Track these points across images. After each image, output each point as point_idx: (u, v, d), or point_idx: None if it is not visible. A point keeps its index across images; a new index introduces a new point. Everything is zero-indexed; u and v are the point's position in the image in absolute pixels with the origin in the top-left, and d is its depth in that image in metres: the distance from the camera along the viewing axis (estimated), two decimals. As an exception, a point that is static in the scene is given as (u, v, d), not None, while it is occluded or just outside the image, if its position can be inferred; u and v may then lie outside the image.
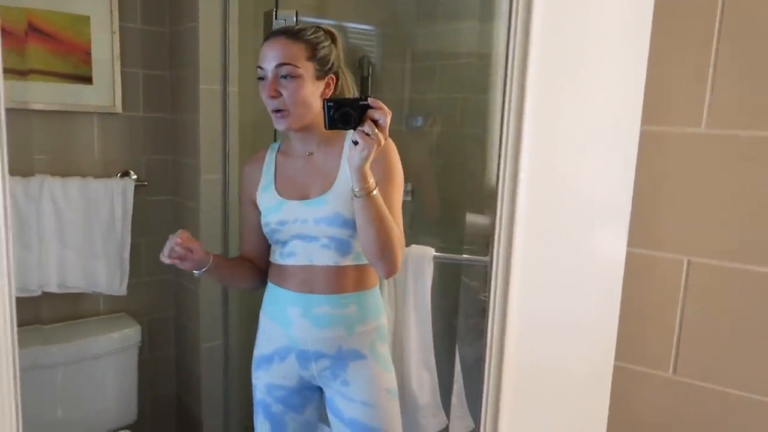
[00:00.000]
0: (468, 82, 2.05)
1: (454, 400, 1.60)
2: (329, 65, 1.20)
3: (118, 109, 1.88)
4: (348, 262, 1.20)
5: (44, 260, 1.74)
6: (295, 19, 1.68)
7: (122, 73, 1.87)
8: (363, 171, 1.04)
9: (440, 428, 1.62)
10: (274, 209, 1.23)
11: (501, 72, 0.71)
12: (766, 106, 0.84)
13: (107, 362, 1.81)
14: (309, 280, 1.21)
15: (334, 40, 1.24)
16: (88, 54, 1.81)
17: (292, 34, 1.17)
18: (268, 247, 1.30)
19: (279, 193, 1.24)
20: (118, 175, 1.90)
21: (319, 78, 1.19)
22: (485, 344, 0.78)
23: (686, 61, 0.87)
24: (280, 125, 1.18)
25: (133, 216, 1.89)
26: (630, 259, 0.88)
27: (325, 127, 1.04)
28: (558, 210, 0.78)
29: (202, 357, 1.94)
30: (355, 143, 1.01)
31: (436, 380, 1.61)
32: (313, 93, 1.17)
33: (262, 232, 1.27)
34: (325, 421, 1.32)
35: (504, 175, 0.72)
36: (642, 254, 0.92)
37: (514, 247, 0.74)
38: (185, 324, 2.06)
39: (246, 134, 1.89)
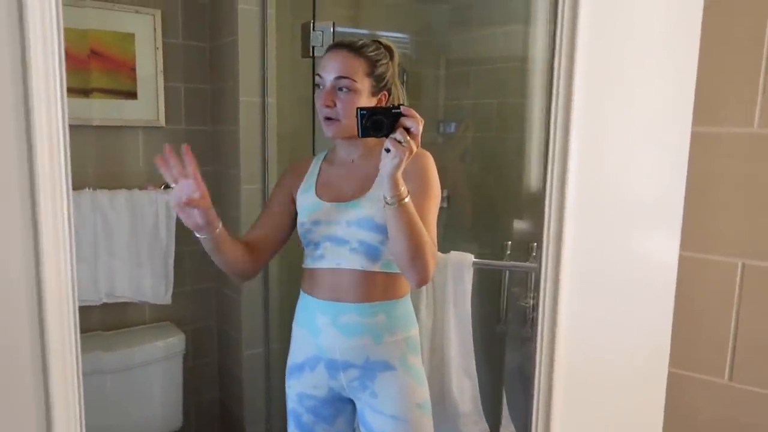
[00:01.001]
0: (503, 86, 2.04)
1: (504, 408, 1.59)
2: (384, 82, 1.23)
3: (162, 122, 1.93)
4: (377, 268, 1.20)
5: (94, 271, 1.80)
6: (332, 30, 1.71)
7: (165, 87, 1.93)
8: (395, 178, 1.05)
9: (482, 436, 1.61)
10: (309, 209, 1.25)
11: (546, 75, 0.71)
12: (822, 103, 0.81)
13: (153, 370, 1.86)
14: (337, 287, 1.22)
15: (392, 55, 1.27)
16: (133, 70, 1.87)
17: (354, 48, 1.20)
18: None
19: (317, 195, 1.26)
20: (162, 186, 1.95)
21: (373, 94, 1.22)
22: (535, 351, 0.77)
23: (737, 61, 0.85)
24: (328, 132, 1.21)
25: (176, 226, 1.94)
26: (682, 263, 0.86)
27: (358, 134, 1.05)
28: (607, 213, 0.77)
29: (245, 364, 1.97)
30: (387, 151, 1.03)
31: (477, 387, 1.59)
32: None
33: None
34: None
35: (552, 179, 0.72)
36: (695, 258, 0.90)
37: (563, 252, 0.73)
38: (228, 332, 2.09)
39: (284, 145, 1.92)
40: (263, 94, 1.86)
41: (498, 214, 1.98)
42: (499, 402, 1.62)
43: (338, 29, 1.73)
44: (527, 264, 1.61)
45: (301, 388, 1.29)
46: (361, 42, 1.22)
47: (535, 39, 1.75)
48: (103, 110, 1.82)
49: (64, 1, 0.57)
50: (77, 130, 1.79)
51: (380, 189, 1.17)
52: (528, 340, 1.65)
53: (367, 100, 1.20)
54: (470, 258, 1.57)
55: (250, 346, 1.96)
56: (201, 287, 2.11)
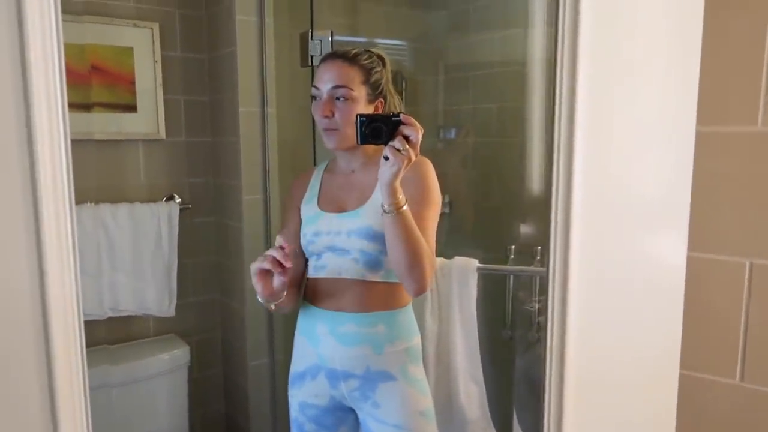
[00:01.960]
0: (502, 91, 2.04)
1: (512, 413, 1.58)
2: (380, 89, 1.24)
3: (162, 135, 1.94)
4: (377, 278, 1.20)
5: (98, 285, 1.79)
6: (330, 39, 1.71)
7: (165, 100, 1.93)
8: (393, 187, 1.04)
9: (490, 442, 1.59)
10: (311, 220, 1.26)
11: (547, 78, 0.71)
12: (826, 100, 0.81)
13: (158, 382, 1.85)
14: (337, 297, 1.21)
15: (384, 63, 1.27)
16: (132, 83, 1.87)
17: (348, 57, 1.20)
18: (303, 260, 1.30)
19: (319, 206, 1.27)
20: (164, 199, 1.95)
21: (370, 102, 1.22)
22: (545, 355, 0.77)
23: (739, 59, 0.85)
24: (330, 143, 1.21)
25: (178, 238, 1.93)
26: (690, 264, 0.85)
27: (357, 142, 1.06)
28: (614, 215, 0.77)
29: (250, 375, 1.96)
30: (386, 159, 1.02)
31: (485, 393, 1.58)
32: None
33: (297, 241, 1.29)
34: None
35: (558, 181, 0.72)
36: (702, 258, 0.90)
37: (570, 255, 0.73)
38: (232, 343, 2.08)
39: (285, 154, 1.92)
40: (263, 104, 1.86)
41: (501, 218, 1.98)
42: (507, 407, 1.61)
43: (336, 38, 1.73)
44: (532, 268, 1.61)
45: (303, 397, 1.28)
46: (354, 51, 1.23)
47: (533, 42, 1.76)
48: (103, 124, 1.83)
49: (63, 17, 0.57)
50: (79, 145, 1.79)
51: (379, 198, 1.17)
52: (534, 344, 1.64)
53: (364, 108, 1.20)
54: (474, 263, 1.56)
55: (255, 357, 1.96)
56: (204, 299, 2.10)
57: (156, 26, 1.89)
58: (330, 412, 1.27)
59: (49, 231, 0.60)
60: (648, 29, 0.76)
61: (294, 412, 1.31)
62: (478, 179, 2.15)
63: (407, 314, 1.26)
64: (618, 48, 0.73)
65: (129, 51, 1.86)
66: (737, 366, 0.90)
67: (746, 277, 0.88)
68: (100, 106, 1.82)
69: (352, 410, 1.28)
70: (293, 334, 1.34)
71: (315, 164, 1.39)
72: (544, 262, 0.75)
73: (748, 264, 0.88)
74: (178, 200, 1.97)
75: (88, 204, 1.79)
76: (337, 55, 1.21)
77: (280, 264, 1.06)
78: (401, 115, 1.03)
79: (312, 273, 1.27)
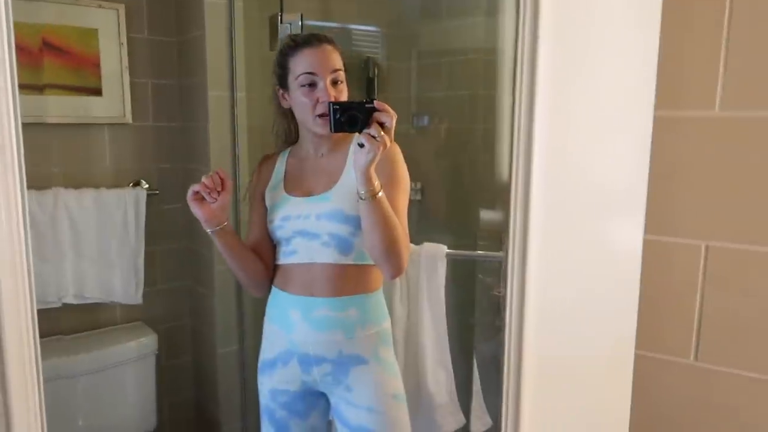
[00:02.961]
0: (475, 78, 2.04)
1: (474, 398, 1.60)
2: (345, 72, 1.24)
3: (128, 119, 1.90)
4: (349, 261, 1.20)
5: (61, 272, 1.76)
6: (300, 23, 1.69)
7: (131, 83, 1.89)
8: (368, 173, 1.05)
9: (458, 427, 1.61)
10: (279, 205, 1.25)
11: (510, 64, 0.71)
12: (779, 87, 0.83)
13: (126, 371, 1.83)
14: (310, 282, 1.22)
15: None
16: (97, 66, 1.82)
17: (330, 41, 1.22)
18: (272, 246, 1.30)
19: (285, 191, 1.26)
20: (130, 184, 1.92)
21: (347, 84, 1.23)
22: (504, 339, 0.78)
23: (697, 44, 0.86)
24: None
25: (146, 225, 1.91)
26: (647, 247, 0.87)
27: (330, 129, 1.05)
28: (573, 200, 0.78)
29: (219, 362, 1.95)
30: (361, 146, 1.02)
31: (453, 378, 1.60)
32: None
33: (265, 229, 1.29)
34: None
35: (517, 168, 0.72)
36: (659, 241, 0.91)
37: (529, 240, 0.73)
38: (201, 330, 2.07)
39: (255, 139, 1.89)
40: (232, 88, 1.83)
41: (471, 205, 1.99)
42: (476, 393, 1.62)
43: (307, 22, 1.71)
44: (499, 254, 1.62)
45: (273, 384, 1.28)
46: (329, 35, 1.23)
47: (505, 30, 1.76)
48: (65, 107, 1.78)
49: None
50: (40, 128, 1.74)
51: (348, 182, 1.17)
52: (501, 330, 1.65)
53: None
54: (443, 249, 1.57)
55: (224, 344, 1.94)
56: (173, 286, 2.08)
57: (122, 8, 1.85)
58: (301, 397, 1.28)
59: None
60: (607, 16, 0.76)
61: (264, 399, 1.31)
62: (450, 166, 2.16)
63: (378, 298, 1.27)
64: (578, 36, 0.74)
65: (93, 32, 1.81)
66: (692, 346, 0.92)
67: (702, 259, 0.90)
68: (61, 89, 1.77)
69: (324, 395, 1.28)
70: (263, 321, 1.33)
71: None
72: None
73: (703, 246, 0.90)
74: (146, 186, 1.94)
75: (52, 189, 1.74)
76: (321, 39, 1.21)
77: (214, 189, 1.16)
78: (375, 101, 1.02)
79: (282, 259, 1.26)
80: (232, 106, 1.84)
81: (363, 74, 2.10)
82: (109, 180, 1.90)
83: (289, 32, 1.68)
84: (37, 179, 1.75)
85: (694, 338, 0.91)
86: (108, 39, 1.83)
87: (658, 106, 0.83)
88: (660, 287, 0.92)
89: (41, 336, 0.64)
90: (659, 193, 0.88)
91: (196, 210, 1.18)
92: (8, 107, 0.58)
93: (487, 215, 1.82)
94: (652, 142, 0.83)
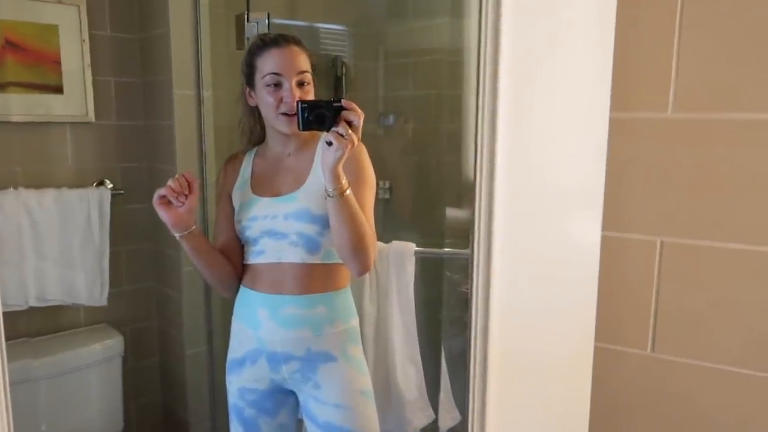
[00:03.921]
0: (441, 78, 2.07)
1: (441, 393, 1.62)
2: (312, 74, 1.25)
3: (91, 117, 1.86)
4: (317, 260, 1.21)
5: (22, 274, 1.72)
6: (267, 21, 1.68)
7: (94, 81, 1.85)
8: (336, 171, 1.06)
9: (428, 422, 1.63)
10: (246, 205, 1.25)
11: (475, 65, 0.73)
12: (728, 88, 0.87)
13: (90, 374, 1.79)
14: (278, 281, 1.22)
15: None
16: (58, 63, 1.78)
17: (298, 42, 1.22)
18: (240, 246, 1.30)
19: (252, 191, 1.26)
20: (94, 184, 1.88)
21: (314, 84, 1.24)
22: (469, 335, 0.80)
23: (650, 48, 0.90)
24: (293, 128, 1.18)
25: (111, 225, 1.87)
26: (605, 243, 0.90)
27: (299, 127, 1.06)
28: (535, 199, 0.80)
29: (187, 363, 1.93)
30: (329, 144, 1.04)
31: (422, 375, 1.62)
32: None
33: (232, 228, 1.29)
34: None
35: (481, 168, 0.74)
36: (616, 237, 0.95)
37: (493, 238, 0.76)
38: (168, 331, 2.04)
39: (222, 138, 1.88)
40: (198, 86, 1.81)
41: (439, 203, 2.01)
42: (444, 388, 1.65)
43: (273, 20, 1.70)
44: (466, 251, 1.64)
45: (241, 383, 1.28)
46: (296, 37, 1.24)
47: (470, 31, 1.79)
48: (24, 105, 1.73)
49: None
50: (-3, 127, 1.69)
51: (315, 181, 1.18)
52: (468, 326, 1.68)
53: (312, 92, 1.23)
54: (412, 247, 1.58)
55: (192, 345, 1.92)
56: (139, 287, 2.05)
57: (83, 4, 1.80)
58: (270, 395, 1.28)
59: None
60: (566, 20, 0.79)
61: (233, 398, 1.31)
62: (418, 165, 2.18)
63: (346, 296, 1.28)
64: (538, 39, 0.76)
65: (54, 29, 1.76)
66: (648, 337, 0.96)
67: (657, 254, 0.94)
68: (19, 86, 1.72)
69: (293, 392, 1.29)
70: (231, 321, 1.33)
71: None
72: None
73: (658, 242, 0.94)
74: (110, 185, 1.90)
75: (11, 189, 1.70)
76: (289, 40, 1.22)
77: (181, 193, 1.15)
78: (343, 100, 1.04)
79: (249, 259, 1.26)
80: (199, 105, 1.82)
81: (331, 73, 2.11)
82: (72, 180, 1.85)
83: (256, 30, 1.68)
84: (-7, 179, 1.70)
85: (650, 330, 0.95)
86: (69, 36, 1.79)
87: (613, 108, 0.86)
88: (617, 282, 0.95)
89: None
90: (615, 192, 0.92)
91: (162, 214, 1.17)
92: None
93: (454, 213, 1.84)
94: (608, 143, 0.86)
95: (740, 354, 0.91)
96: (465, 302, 1.68)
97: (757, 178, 0.86)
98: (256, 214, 1.23)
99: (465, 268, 1.69)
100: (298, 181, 1.22)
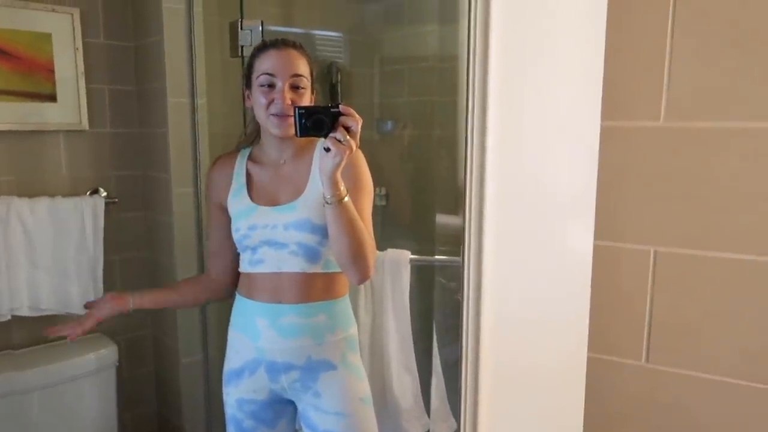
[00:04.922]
0: (436, 84, 2.06)
1: (435, 401, 1.61)
2: (313, 80, 1.25)
3: (85, 126, 1.85)
4: (317, 269, 1.20)
5: (15, 283, 1.70)
6: (261, 29, 1.68)
7: (87, 89, 1.85)
8: (335, 178, 1.05)
9: (424, 430, 1.63)
10: (244, 214, 1.24)
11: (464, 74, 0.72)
12: (719, 97, 0.86)
13: (84, 384, 1.78)
14: (277, 290, 1.21)
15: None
16: (51, 72, 1.78)
17: (297, 46, 1.22)
18: (234, 253, 1.30)
19: (251, 199, 1.25)
20: (88, 193, 1.87)
21: (312, 91, 1.24)
22: (461, 343, 0.79)
23: (642, 57, 0.89)
24: (281, 130, 1.19)
25: (105, 233, 1.86)
26: (598, 252, 0.90)
27: (296, 134, 1.05)
28: (525, 207, 0.80)
29: (182, 372, 1.92)
30: (327, 150, 1.03)
31: (418, 383, 1.61)
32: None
33: (229, 239, 1.28)
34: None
35: (471, 175, 0.74)
36: (609, 246, 0.94)
37: (484, 246, 0.75)
38: (163, 340, 2.03)
39: (216, 146, 1.87)
40: (192, 94, 1.81)
41: (435, 210, 2.00)
42: (439, 396, 1.64)
43: (267, 28, 1.70)
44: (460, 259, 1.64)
45: (240, 394, 1.27)
46: (297, 42, 1.24)
47: (464, 38, 1.78)
48: (18, 114, 1.73)
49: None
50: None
51: (314, 190, 1.17)
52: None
53: (310, 98, 1.22)
54: (407, 255, 1.58)
55: (187, 354, 1.91)
56: (134, 296, 2.03)
57: (76, 12, 1.80)
58: (269, 406, 1.27)
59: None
60: (555, 29, 0.78)
61: (231, 409, 1.29)
62: (414, 171, 2.17)
63: (346, 303, 1.27)
64: (528, 48, 0.76)
65: (47, 37, 1.76)
66: (643, 348, 0.95)
67: (651, 263, 0.93)
68: (15, 95, 1.72)
69: (291, 402, 1.28)
70: (227, 330, 1.32)
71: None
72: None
73: (652, 252, 0.93)
74: (104, 194, 1.89)
75: (4, 198, 1.69)
76: (287, 43, 1.22)
77: (72, 334, 1.32)
78: (341, 106, 1.03)
79: (248, 268, 1.25)
80: (193, 113, 1.82)
81: (327, 79, 2.10)
82: (66, 188, 1.85)
83: (249, 38, 1.67)
84: (-12, 188, 1.69)
85: (644, 340, 0.94)
86: (62, 44, 1.79)
87: (604, 117, 0.86)
88: (611, 291, 0.95)
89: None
90: (608, 201, 0.91)
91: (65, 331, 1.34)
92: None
93: (450, 220, 1.84)
94: (600, 151, 0.85)
95: (735, 365, 0.90)
96: (460, 310, 1.68)
97: (750, 187, 0.86)
98: (255, 223, 1.22)
99: (459, 275, 1.69)
100: (297, 190, 1.21)
